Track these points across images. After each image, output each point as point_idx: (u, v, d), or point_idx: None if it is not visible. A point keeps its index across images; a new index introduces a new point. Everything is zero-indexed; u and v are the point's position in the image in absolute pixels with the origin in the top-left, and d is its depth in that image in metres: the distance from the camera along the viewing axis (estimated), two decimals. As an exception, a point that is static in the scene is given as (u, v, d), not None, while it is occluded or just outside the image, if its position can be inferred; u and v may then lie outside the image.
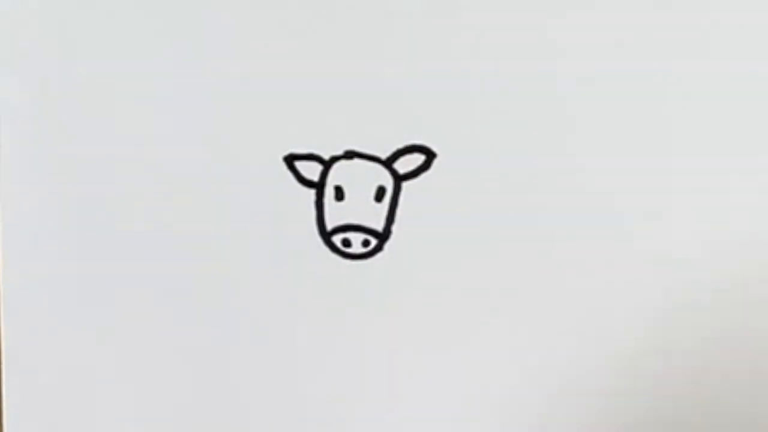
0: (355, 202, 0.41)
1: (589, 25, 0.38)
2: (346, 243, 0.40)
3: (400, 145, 0.40)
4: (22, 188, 0.40)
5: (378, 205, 0.41)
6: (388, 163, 0.40)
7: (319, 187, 0.40)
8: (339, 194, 0.40)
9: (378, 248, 0.41)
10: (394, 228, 0.41)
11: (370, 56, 0.40)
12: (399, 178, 0.40)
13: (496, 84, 0.39)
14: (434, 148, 0.40)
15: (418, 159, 0.40)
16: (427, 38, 0.39)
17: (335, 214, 0.41)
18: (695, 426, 0.39)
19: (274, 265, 0.40)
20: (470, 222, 0.40)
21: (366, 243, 0.41)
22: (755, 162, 0.38)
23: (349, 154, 0.40)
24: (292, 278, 0.40)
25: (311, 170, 0.40)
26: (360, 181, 0.40)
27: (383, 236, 0.41)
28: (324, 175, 0.40)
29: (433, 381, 0.41)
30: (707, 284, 0.39)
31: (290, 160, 0.40)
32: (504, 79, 0.39)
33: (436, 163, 0.40)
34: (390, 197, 0.40)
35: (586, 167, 0.39)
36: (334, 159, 0.40)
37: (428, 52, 0.39)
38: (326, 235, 0.40)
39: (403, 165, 0.40)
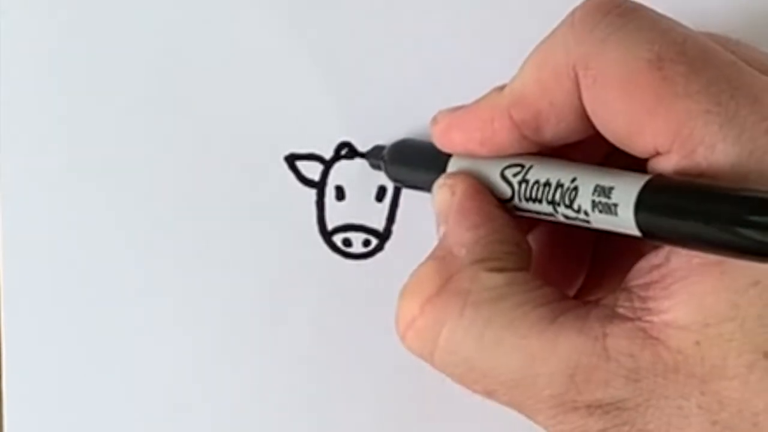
0: (355, 201, 0.41)
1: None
2: (347, 243, 0.41)
3: (401, 146, 0.40)
4: (22, 188, 0.40)
5: (379, 205, 0.41)
6: (389, 163, 0.40)
7: (319, 186, 0.41)
8: (340, 194, 0.41)
9: (379, 248, 0.41)
10: (395, 228, 0.41)
11: (372, 56, 0.40)
12: (400, 179, 0.41)
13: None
14: (434, 149, 0.40)
15: (419, 159, 0.40)
16: (429, 39, 0.40)
17: (336, 214, 0.41)
18: None
19: (274, 265, 0.40)
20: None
21: (367, 243, 0.41)
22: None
23: (350, 154, 0.40)
24: (293, 278, 0.40)
25: (312, 170, 0.41)
26: (361, 181, 0.40)
27: (384, 236, 0.41)
28: (325, 174, 0.41)
29: (434, 380, 0.40)
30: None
31: (291, 160, 0.40)
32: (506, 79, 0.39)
33: (436, 163, 0.40)
34: (391, 197, 0.41)
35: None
36: (335, 159, 0.40)
37: (430, 52, 0.40)
38: (327, 235, 0.41)
39: (404, 165, 0.40)
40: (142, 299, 0.40)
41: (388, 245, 0.41)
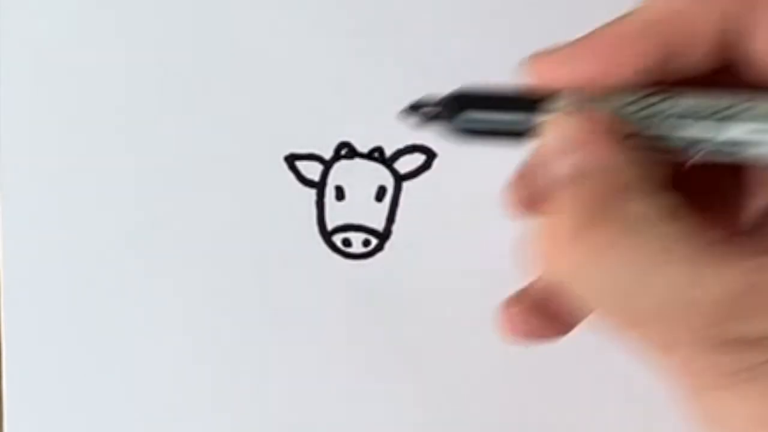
0: (355, 201, 0.41)
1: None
2: (347, 243, 0.41)
3: (401, 145, 0.40)
4: (22, 188, 0.40)
5: (378, 204, 0.41)
6: (388, 162, 0.40)
7: (319, 187, 0.41)
8: (339, 194, 0.41)
9: (378, 248, 0.41)
10: (395, 228, 0.41)
11: (372, 56, 0.40)
12: (399, 178, 0.41)
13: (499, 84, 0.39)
14: (434, 148, 0.40)
15: (419, 159, 0.41)
16: (429, 39, 0.40)
17: (336, 214, 0.41)
18: None
19: (274, 265, 0.40)
20: (470, 222, 0.40)
21: (366, 243, 0.41)
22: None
23: (350, 154, 0.40)
24: (292, 278, 0.40)
25: (312, 170, 0.41)
26: (360, 181, 0.40)
27: (384, 236, 0.41)
28: (324, 175, 0.41)
29: (435, 381, 0.41)
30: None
31: (291, 160, 0.40)
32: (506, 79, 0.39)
33: (436, 163, 0.40)
34: (390, 197, 0.41)
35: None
36: (335, 159, 0.40)
37: (430, 52, 0.40)
38: (327, 235, 0.41)
39: (404, 165, 0.41)
40: (142, 299, 0.40)
41: (388, 245, 0.41)
